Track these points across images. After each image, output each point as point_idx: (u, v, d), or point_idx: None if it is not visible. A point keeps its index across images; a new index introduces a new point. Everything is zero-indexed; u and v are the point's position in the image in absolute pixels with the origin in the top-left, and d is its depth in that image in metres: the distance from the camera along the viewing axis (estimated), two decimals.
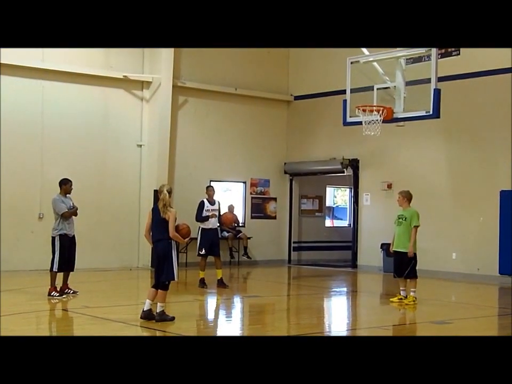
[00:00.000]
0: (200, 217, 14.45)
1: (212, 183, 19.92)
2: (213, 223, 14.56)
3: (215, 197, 14.90)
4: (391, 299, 12.70)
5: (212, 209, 14.52)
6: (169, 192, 9.92)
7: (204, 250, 14.44)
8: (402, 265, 12.47)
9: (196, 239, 14.60)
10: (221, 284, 14.52)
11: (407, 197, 12.67)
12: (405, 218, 12.44)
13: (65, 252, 12.38)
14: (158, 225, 9.85)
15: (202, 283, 14.44)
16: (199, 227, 14.56)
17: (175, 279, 9.86)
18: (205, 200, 14.63)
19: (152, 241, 9.99)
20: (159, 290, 9.89)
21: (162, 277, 9.85)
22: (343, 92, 14.10)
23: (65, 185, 12.63)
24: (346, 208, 24.64)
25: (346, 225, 23.95)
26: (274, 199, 21.77)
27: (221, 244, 15.19)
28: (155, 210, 9.94)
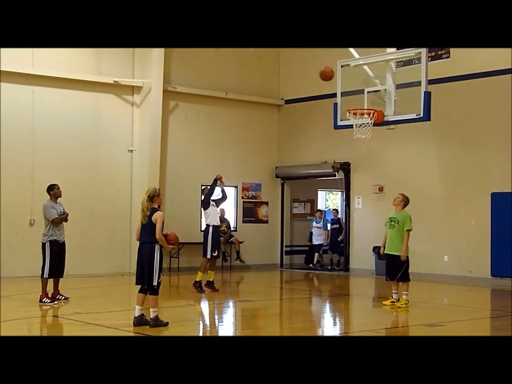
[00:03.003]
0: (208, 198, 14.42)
1: (204, 188, 19.95)
2: (217, 218, 14.58)
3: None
4: (383, 302, 12.69)
5: (216, 194, 14.67)
6: (153, 195, 9.86)
7: (216, 252, 14.36)
8: (394, 268, 12.46)
9: (205, 238, 14.36)
10: (211, 286, 14.43)
11: (405, 200, 12.70)
12: (397, 222, 12.45)
13: (56, 258, 12.33)
14: (145, 227, 9.82)
15: (200, 286, 14.32)
16: (209, 226, 14.42)
17: (153, 283, 9.75)
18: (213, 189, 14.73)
19: (139, 243, 9.96)
20: (149, 295, 9.85)
21: (144, 282, 9.83)
22: (334, 95, 14.09)
23: (52, 190, 12.58)
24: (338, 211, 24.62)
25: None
26: (266, 203, 21.77)
27: None
28: (142, 205, 9.94)
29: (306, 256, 22.13)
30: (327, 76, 12.83)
